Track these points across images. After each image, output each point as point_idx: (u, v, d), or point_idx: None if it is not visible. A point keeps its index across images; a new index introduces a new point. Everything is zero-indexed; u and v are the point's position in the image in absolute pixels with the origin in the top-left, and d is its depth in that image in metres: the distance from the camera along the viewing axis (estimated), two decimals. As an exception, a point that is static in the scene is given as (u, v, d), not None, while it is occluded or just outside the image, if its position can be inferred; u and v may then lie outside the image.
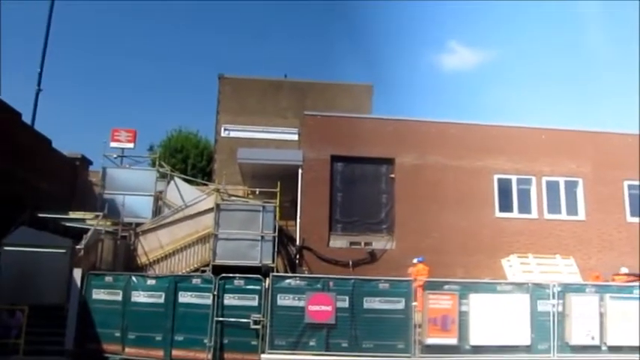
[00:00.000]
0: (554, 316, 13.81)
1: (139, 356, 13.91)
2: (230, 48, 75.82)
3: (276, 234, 18.10)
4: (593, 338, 13.74)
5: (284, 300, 13.74)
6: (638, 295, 14.17)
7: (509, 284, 15.05)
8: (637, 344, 13.68)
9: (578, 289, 14.53)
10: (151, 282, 14.60)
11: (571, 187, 20.31)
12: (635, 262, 18.94)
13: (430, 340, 13.52)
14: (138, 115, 61.97)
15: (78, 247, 15.32)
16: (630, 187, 20.27)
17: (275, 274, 15.39)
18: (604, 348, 13.80)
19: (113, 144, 20.68)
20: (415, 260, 16.79)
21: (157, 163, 20.77)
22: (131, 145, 21.00)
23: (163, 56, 75.68)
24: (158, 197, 19.67)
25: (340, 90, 28.16)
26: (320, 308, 13.62)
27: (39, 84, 26.54)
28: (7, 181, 17.18)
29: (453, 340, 13.54)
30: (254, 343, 13.61)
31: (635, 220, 19.95)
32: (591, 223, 19.87)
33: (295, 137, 25.54)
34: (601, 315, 13.89)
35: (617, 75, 69.88)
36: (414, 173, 19.77)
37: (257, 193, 20.41)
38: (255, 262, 17.38)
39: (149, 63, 74.40)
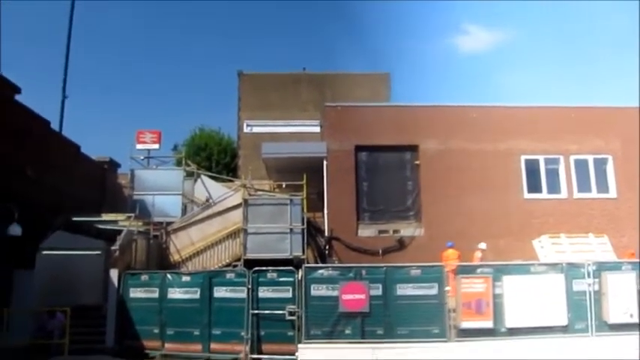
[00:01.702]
0: (590, 295, 13.62)
1: (179, 351, 14.19)
2: (246, 46, 76.05)
3: (305, 226, 18.24)
4: (631, 316, 13.51)
5: (318, 290, 13.80)
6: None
7: (543, 265, 14.87)
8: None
9: (614, 266, 14.31)
10: (185, 278, 14.84)
11: (600, 164, 20.03)
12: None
13: (465, 324, 13.48)
14: (161, 117, 62.77)
15: (113, 248, 15.69)
16: (662, 161, 19.88)
17: (308, 265, 15.55)
18: (643, 325, 13.60)
19: (139, 146, 21.02)
20: (447, 245, 16.80)
21: (183, 162, 21.03)
22: (156, 146, 21.32)
23: (181, 57, 76.31)
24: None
25: (358, 80, 28.20)
26: (354, 297, 13.66)
27: (64, 91, 27.05)
28: (41, 187, 17.61)
29: (488, 323, 13.47)
30: (290, 333, 13.74)
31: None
32: (622, 200, 19.58)
33: (317, 129, 25.64)
34: (639, 292, 13.69)
35: (630, 54, 68.33)
36: (439, 159, 19.69)
37: (283, 186, 20.56)
38: (286, 255, 17.55)
39: (167, 65, 75.14)
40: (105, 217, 19.02)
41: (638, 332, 13.33)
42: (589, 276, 13.74)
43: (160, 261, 18.12)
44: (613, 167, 19.92)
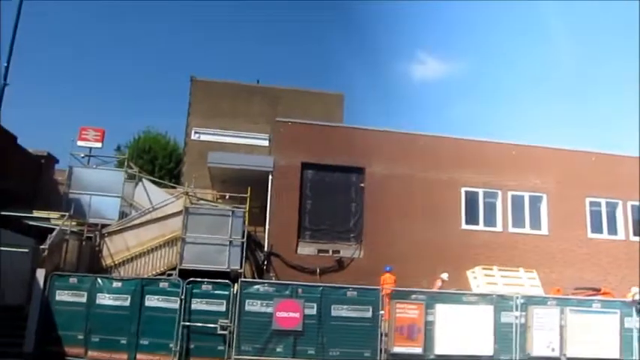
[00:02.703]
0: (516, 327, 14.08)
1: (102, 359, 13.64)
2: (202, 51, 75.20)
3: (245, 239, 18.04)
4: (553, 350, 14.06)
5: (252, 306, 13.67)
6: (596, 309, 14.63)
7: (475, 295, 15.28)
8: (594, 356, 14.10)
9: (540, 301, 14.89)
10: (117, 284, 14.30)
11: (535, 201, 20.88)
12: (593, 276, 19.63)
13: (396, 349, 13.64)
14: (106, 117, 60.70)
15: (42, 246, 14.99)
16: (592, 203, 20.95)
17: (244, 279, 15.39)
18: (563, 359, 14.15)
19: (80, 143, 20.23)
20: (385, 269, 17.01)
21: (126, 163, 20.44)
22: (99, 145, 20.57)
23: (134, 58, 74.58)
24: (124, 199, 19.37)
25: (312, 98, 28.32)
26: (288, 315, 13.60)
27: (5, 78, 25.78)
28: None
29: (418, 349, 13.69)
30: (220, 348, 13.48)
31: (596, 236, 20.62)
32: (554, 237, 20.45)
33: (266, 143, 25.62)
34: (561, 327, 14.25)
35: (584, 87, 72.08)
36: (384, 183, 20.02)
37: (227, 197, 20.30)
38: (223, 267, 17.30)
39: (119, 64, 73.22)
40: (36, 213, 18.11)
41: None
42: (517, 309, 14.19)
43: (92, 264, 17.42)
44: (547, 205, 20.77)
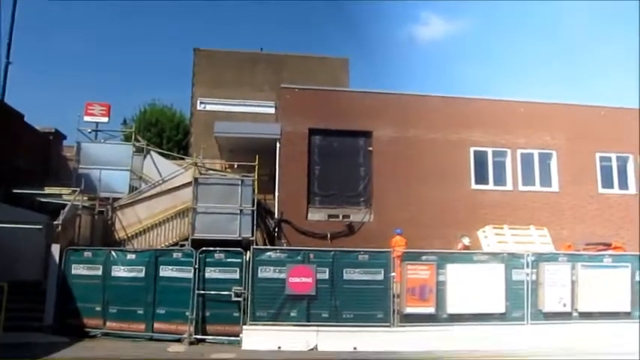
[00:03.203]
0: (528, 284, 14.18)
1: (121, 330, 13.97)
2: (204, 21, 74.32)
3: (255, 207, 18.11)
4: (565, 305, 14.19)
5: (265, 272, 13.85)
6: (607, 264, 14.67)
7: (485, 254, 15.38)
8: (606, 310, 14.21)
9: (551, 258, 14.94)
10: (131, 256, 14.56)
11: (545, 159, 20.71)
12: (604, 232, 19.59)
13: (408, 310, 13.82)
14: (111, 92, 60.64)
15: (55, 222, 15.19)
16: (602, 159, 20.75)
17: (256, 246, 15.53)
18: (575, 314, 14.28)
19: (87, 118, 20.32)
20: (395, 232, 17.09)
21: (133, 137, 20.49)
22: (105, 120, 20.68)
23: (137, 31, 73.89)
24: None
25: (317, 63, 27.99)
26: (300, 280, 13.78)
27: (8, 56, 25.74)
28: (-21, 156, 16.82)
29: (430, 310, 13.86)
30: (236, 314, 13.73)
31: (607, 191, 20.49)
32: (564, 194, 20.33)
33: (272, 111, 25.45)
34: (572, 283, 14.32)
35: (590, 50, 70.68)
36: (392, 146, 19.90)
37: (235, 167, 20.33)
38: (235, 236, 17.40)
39: (122, 38, 72.61)
40: (48, 190, 18.33)
41: (570, 321, 14.03)
42: (528, 266, 14.28)
43: (105, 238, 17.64)
44: (556, 162, 20.61)
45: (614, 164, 20.93)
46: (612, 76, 69.78)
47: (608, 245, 17.90)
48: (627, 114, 21.00)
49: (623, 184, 20.90)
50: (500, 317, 14.04)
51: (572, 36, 71.28)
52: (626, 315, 14.28)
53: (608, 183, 20.71)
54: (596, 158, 20.73)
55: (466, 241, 17.80)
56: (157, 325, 13.92)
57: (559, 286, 14.25)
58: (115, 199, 18.35)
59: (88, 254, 14.70)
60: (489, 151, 20.40)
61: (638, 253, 15.20)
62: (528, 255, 14.49)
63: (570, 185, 20.40)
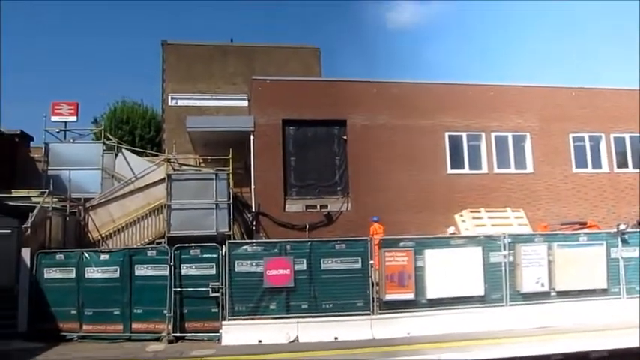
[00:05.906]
0: (505, 266, 14.24)
1: (98, 332, 13.66)
2: (171, 15, 73.26)
3: (231, 201, 17.87)
4: (542, 285, 14.27)
5: (242, 266, 13.66)
6: (582, 242, 14.81)
7: (462, 238, 15.42)
8: (583, 288, 14.35)
9: (527, 238, 15.00)
10: (104, 257, 14.21)
11: (519, 141, 20.83)
12: (579, 211, 19.84)
13: (388, 297, 13.77)
14: (78, 90, 59.30)
15: (24, 226, 14.81)
16: (575, 139, 20.95)
17: (232, 240, 15.34)
18: (553, 293, 14.37)
19: (54, 118, 19.92)
20: (372, 220, 17.05)
21: (103, 135, 20.08)
22: (74, 119, 20.29)
23: (103, 26, 72.53)
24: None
25: (287, 53, 27.82)
26: (278, 272, 13.62)
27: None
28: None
29: (410, 295, 13.83)
30: (214, 310, 13.53)
31: (581, 171, 20.72)
32: (539, 175, 20.51)
33: (245, 103, 25.20)
34: (549, 262, 14.42)
35: (564, 32, 71.32)
36: (366, 134, 19.84)
37: (209, 161, 20.08)
38: (211, 231, 17.13)
39: (88, 34, 71.19)
40: (16, 193, 17.88)
41: (549, 300, 14.15)
42: (504, 248, 14.32)
43: (79, 239, 17.33)
44: (530, 144, 20.75)
45: (587, 144, 21.16)
46: (598, 57, 70.53)
47: (583, 224, 18.13)
48: (597, 94, 21.29)
49: (597, 164, 21.15)
50: (480, 300, 14.05)
51: (551, 15, 71.75)
52: (603, 292, 14.42)
53: (581, 163, 20.94)
54: (570, 139, 20.92)
55: (450, 230, 17.84)
56: (134, 325, 13.65)
57: (536, 267, 14.30)
58: (87, 200, 17.99)
59: (60, 257, 14.31)
60: (464, 135, 20.44)
61: (612, 230, 15.33)
62: (505, 237, 14.52)
63: (545, 166, 20.57)
